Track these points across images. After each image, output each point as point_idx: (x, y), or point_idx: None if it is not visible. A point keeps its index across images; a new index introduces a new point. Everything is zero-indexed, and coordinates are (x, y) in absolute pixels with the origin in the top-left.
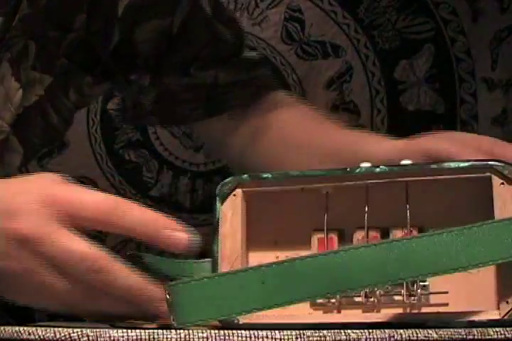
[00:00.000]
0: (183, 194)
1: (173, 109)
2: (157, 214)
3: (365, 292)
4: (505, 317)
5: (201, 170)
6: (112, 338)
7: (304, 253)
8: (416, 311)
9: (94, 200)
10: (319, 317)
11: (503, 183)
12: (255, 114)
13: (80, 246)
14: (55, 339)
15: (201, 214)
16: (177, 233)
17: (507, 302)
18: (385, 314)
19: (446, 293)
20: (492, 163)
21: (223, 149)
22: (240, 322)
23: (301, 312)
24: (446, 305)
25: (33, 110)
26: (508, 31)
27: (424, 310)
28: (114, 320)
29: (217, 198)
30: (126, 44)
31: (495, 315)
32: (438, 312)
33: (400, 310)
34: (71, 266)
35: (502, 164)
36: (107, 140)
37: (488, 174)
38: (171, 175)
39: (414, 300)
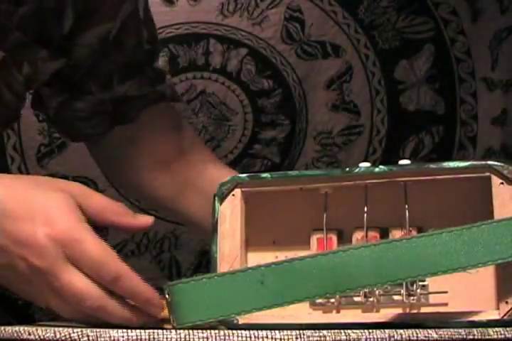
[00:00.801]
0: None
1: (72, 126)
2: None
3: (365, 292)
4: (505, 317)
5: None
6: (112, 338)
7: (302, 253)
8: (415, 311)
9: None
10: (319, 317)
11: (502, 183)
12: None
13: (82, 284)
14: (55, 339)
15: None
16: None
17: (506, 302)
18: (384, 314)
19: (446, 292)
20: (491, 162)
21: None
22: (240, 323)
23: (301, 312)
24: (446, 305)
25: None
26: (508, 31)
27: (423, 309)
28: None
29: (216, 198)
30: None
31: (494, 315)
32: (437, 312)
33: (399, 310)
34: (71, 301)
35: (501, 164)
36: None
37: (488, 174)
38: None
39: (413, 299)
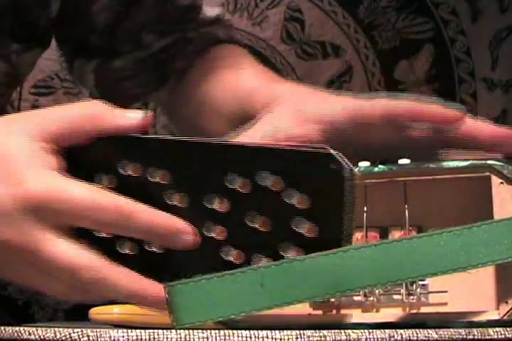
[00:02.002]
0: None
1: (122, 87)
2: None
3: (365, 291)
4: (505, 318)
5: None
6: (113, 338)
7: None
8: (415, 311)
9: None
10: (320, 317)
11: (502, 182)
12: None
13: (72, 253)
14: (55, 339)
15: None
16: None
17: (506, 302)
18: (384, 313)
19: (446, 292)
20: (491, 162)
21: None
22: (242, 323)
23: (301, 312)
24: (446, 304)
25: None
26: (508, 31)
27: (423, 309)
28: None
29: None
30: (78, 17)
31: (494, 315)
32: (437, 312)
33: (399, 310)
34: (62, 277)
35: (501, 163)
36: None
37: (488, 173)
38: None
39: (413, 299)
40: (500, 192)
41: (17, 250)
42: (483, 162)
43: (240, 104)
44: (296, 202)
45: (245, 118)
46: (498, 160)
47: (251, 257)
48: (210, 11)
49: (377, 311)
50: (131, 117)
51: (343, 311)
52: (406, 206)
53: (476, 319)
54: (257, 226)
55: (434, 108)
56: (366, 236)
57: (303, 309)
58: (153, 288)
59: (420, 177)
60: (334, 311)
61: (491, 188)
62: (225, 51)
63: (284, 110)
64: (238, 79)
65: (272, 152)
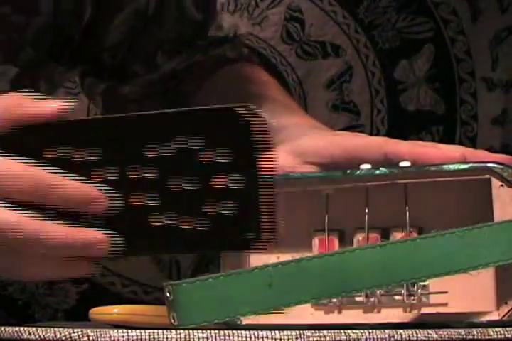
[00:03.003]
0: None
1: (123, 110)
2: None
3: (366, 292)
4: (504, 318)
5: None
6: (113, 338)
7: (304, 254)
8: (416, 311)
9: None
10: (321, 317)
11: (502, 185)
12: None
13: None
14: (55, 339)
15: None
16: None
17: (506, 303)
18: (385, 314)
19: (446, 293)
20: (491, 165)
21: None
22: (242, 323)
23: (303, 312)
24: (446, 305)
25: None
26: (508, 31)
27: (424, 310)
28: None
29: None
30: (98, 30)
31: (494, 316)
32: (438, 313)
33: (400, 310)
34: None
35: (501, 166)
36: None
37: (488, 176)
38: None
39: (414, 300)
40: (500, 195)
41: None
42: (484, 165)
43: None
44: (214, 159)
45: None
46: (498, 163)
47: (181, 220)
48: (223, 23)
49: (379, 312)
50: (50, 104)
51: (344, 312)
52: (407, 208)
53: (475, 320)
54: (181, 189)
55: (432, 151)
56: (367, 238)
57: (304, 309)
58: (83, 235)
59: (421, 180)
60: (336, 311)
61: (491, 191)
62: (233, 72)
63: (286, 149)
64: None
65: (184, 115)
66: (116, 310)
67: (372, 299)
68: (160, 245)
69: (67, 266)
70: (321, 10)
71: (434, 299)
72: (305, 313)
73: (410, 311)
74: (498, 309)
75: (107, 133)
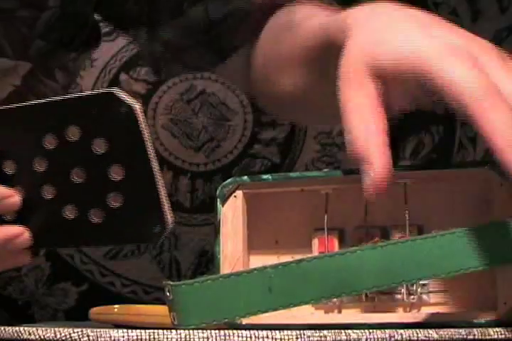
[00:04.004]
0: (183, 194)
1: (182, 58)
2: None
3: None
4: (503, 318)
5: (201, 170)
6: (113, 338)
7: (304, 253)
8: (416, 310)
9: None
10: (321, 317)
11: (502, 184)
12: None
13: None
14: (55, 339)
15: (201, 214)
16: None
17: (504, 303)
18: (385, 313)
19: (446, 292)
20: (491, 163)
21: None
22: (243, 323)
23: (303, 312)
24: (446, 304)
25: (9, 103)
26: (508, 31)
27: (423, 309)
28: None
29: (218, 199)
30: None
31: (492, 316)
32: (437, 313)
33: (400, 309)
34: None
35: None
36: None
37: (488, 175)
38: (171, 175)
39: (413, 299)
40: (500, 194)
41: None
42: (484, 162)
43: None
44: (101, 149)
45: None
46: (498, 161)
47: (87, 212)
48: None
49: (378, 311)
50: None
51: (344, 311)
52: (406, 207)
53: (473, 319)
54: (79, 180)
55: None
56: (367, 237)
57: (304, 309)
58: (1, 229)
59: (420, 178)
60: (336, 311)
61: (491, 189)
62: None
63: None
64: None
65: (68, 104)
66: (116, 310)
67: (372, 298)
68: (72, 237)
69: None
70: None
71: (434, 298)
72: (305, 313)
73: (410, 310)
74: (496, 309)
75: (8, 124)
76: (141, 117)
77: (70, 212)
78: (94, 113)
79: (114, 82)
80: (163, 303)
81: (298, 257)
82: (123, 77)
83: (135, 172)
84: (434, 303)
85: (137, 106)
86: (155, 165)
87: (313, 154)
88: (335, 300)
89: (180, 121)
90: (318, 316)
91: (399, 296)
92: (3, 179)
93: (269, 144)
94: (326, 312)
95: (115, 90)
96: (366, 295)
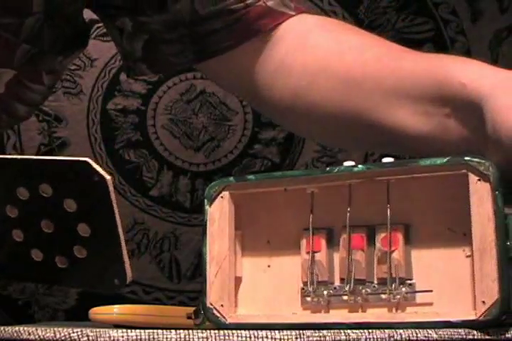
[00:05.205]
0: (183, 194)
1: (160, 54)
2: None
3: (352, 290)
4: (481, 318)
5: (201, 170)
6: (112, 338)
7: (294, 254)
8: (400, 310)
9: None
10: (307, 316)
11: (479, 180)
12: (266, 47)
13: None
14: (55, 339)
15: (201, 214)
16: None
17: (483, 302)
18: (371, 313)
19: (431, 291)
20: (468, 158)
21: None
22: (228, 322)
23: (289, 311)
24: (431, 304)
25: None
26: (508, 31)
27: (409, 309)
28: None
29: (206, 200)
30: None
31: (471, 316)
32: (421, 312)
33: (385, 310)
34: None
35: (478, 160)
36: (107, 140)
37: (465, 171)
38: (171, 175)
39: (399, 298)
40: (477, 190)
41: None
42: (460, 158)
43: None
44: (70, 208)
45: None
46: (474, 156)
47: (53, 257)
48: None
49: (364, 311)
50: None
51: (331, 311)
52: (388, 206)
53: (452, 319)
54: (50, 230)
55: None
56: (349, 236)
57: (292, 308)
58: None
59: (399, 177)
60: (323, 311)
61: (468, 186)
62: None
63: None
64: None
65: (45, 164)
66: (116, 310)
67: (359, 298)
68: (38, 275)
69: None
70: (321, 10)
71: (420, 298)
72: (291, 313)
73: (396, 310)
74: (475, 308)
75: None
76: (111, 188)
77: (36, 255)
78: (68, 177)
79: (114, 82)
80: (163, 303)
81: (289, 257)
82: (123, 77)
83: (100, 232)
84: (419, 303)
85: (109, 178)
86: (119, 227)
87: (313, 154)
88: (321, 300)
89: (180, 121)
90: (305, 316)
91: (385, 296)
92: None
93: (269, 144)
94: (313, 311)
95: (90, 161)
96: (352, 294)
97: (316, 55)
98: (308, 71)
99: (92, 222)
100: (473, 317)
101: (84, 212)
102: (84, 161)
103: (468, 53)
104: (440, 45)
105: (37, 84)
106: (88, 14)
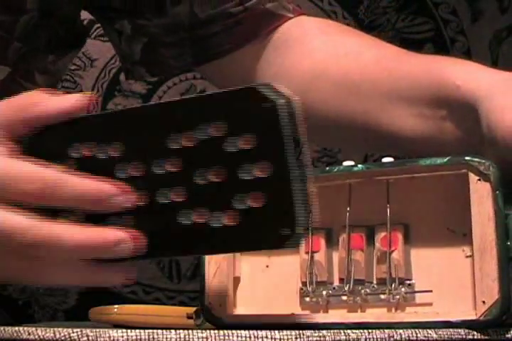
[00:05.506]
0: None
1: (160, 57)
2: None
3: (352, 290)
4: (481, 318)
5: None
6: (112, 338)
7: (293, 254)
8: (400, 311)
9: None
10: (307, 316)
11: (479, 179)
12: (267, 50)
13: (2, 219)
14: (55, 339)
15: None
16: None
17: (483, 302)
18: (370, 313)
19: (431, 291)
20: (468, 158)
21: None
22: (227, 322)
23: (289, 311)
24: (431, 304)
25: None
26: (508, 31)
27: (409, 309)
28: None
29: None
30: None
31: (471, 316)
32: (421, 312)
33: (384, 310)
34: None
35: (478, 159)
36: None
37: (465, 170)
38: None
39: (399, 299)
40: (477, 190)
41: None
42: (461, 158)
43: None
44: (240, 146)
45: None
46: (474, 156)
47: (211, 216)
48: None
49: (363, 311)
50: (68, 100)
51: (330, 311)
52: (388, 205)
53: (452, 319)
54: (208, 182)
55: None
56: (349, 236)
57: (291, 308)
58: (101, 234)
59: (399, 176)
60: (322, 311)
61: (468, 185)
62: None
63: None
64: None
65: (205, 100)
66: (116, 310)
67: (358, 298)
68: (185, 245)
69: (93, 271)
70: (321, 10)
71: (419, 298)
72: (290, 313)
73: (396, 310)
74: (475, 308)
75: (127, 127)
76: (286, 113)
77: (194, 217)
78: (228, 109)
79: (114, 82)
80: (163, 303)
81: (288, 257)
82: (123, 77)
83: (281, 170)
84: (419, 303)
85: (283, 101)
86: (307, 161)
87: (313, 154)
88: (320, 300)
89: None
90: (305, 316)
91: (385, 296)
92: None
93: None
94: (313, 311)
95: (256, 85)
96: (352, 295)
97: (313, 58)
98: (306, 75)
99: (272, 157)
100: (473, 317)
101: (253, 149)
102: (248, 89)
103: (468, 53)
104: (440, 45)
105: (30, 83)
106: (88, 15)
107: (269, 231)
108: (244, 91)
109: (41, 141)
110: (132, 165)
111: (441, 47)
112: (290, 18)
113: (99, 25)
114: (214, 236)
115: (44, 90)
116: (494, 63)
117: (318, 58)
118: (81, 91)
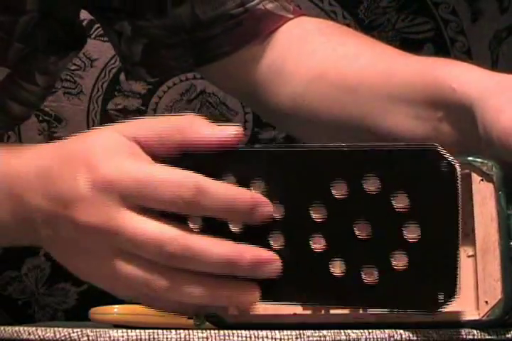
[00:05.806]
0: None
1: (160, 58)
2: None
3: None
4: (484, 318)
5: None
6: (112, 338)
7: None
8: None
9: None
10: (307, 316)
11: (482, 180)
12: (264, 51)
13: (153, 226)
14: (55, 339)
15: None
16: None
17: (486, 302)
18: (371, 313)
19: None
20: (471, 158)
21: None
22: (229, 322)
23: (290, 311)
24: None
25: None
26: (508, 31)
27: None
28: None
29: None
30: None
31: (474, 316)
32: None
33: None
34: (142, 252)
35: (481, 160)
36: None
37: (468, 171)
38: None
39: None
40: (480, 190)
41: (99, 233)
42: (464, 158)
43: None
44: (404, 205)
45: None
46: (477, 156)
47: (361, 269)
48: None
49: (364, 311)
50: (225, 131)
51: (332, 311)
52: None
53: (455, 319)
54: (364, 234)
55: None
56: None
57: (292, 308)
58: (250, 252)
59: None
60: (323, 311)
61: (471, 186)
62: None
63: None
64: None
65: (378, 153)
66: (116, 310)
67: None
68: (331, 296)
69: (223, 288)
70: (321, 10)
71: None
72: (291, 313)
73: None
74: (477, 308)
75: (292, 166)
76: (459, 180)
77: (337, 268)
78: (406, 167)
79: (114, 82)
80: None
81: None
82: (123, 77)
83: (433, 234)
84: None
85: (457, 165)
86: (459, 226)
87: None
88: None
89: None
90: (305, 316)
91: None
92: (275, 225)
93: (269, 144)
94: (314, 312)
95: (437, 146)
96: None
97: (311, 61)
98: (304, 77)
99: (426, 221)
100: (476, 318)
101: (417, 209)
102: (432, 146)
103: (468, 53)
104: (440, 45)
105: (30, 84)
106: (88, 15)
107: (408, 293)
108: (426, 150)
109: (176, 165)
110: (284, 205)
111: (441, 47)
112: (290, 19)
113: (99, 25)
114: (362, 292)
115: (202, 116)
116: (494, 63)
117: (315, 61)
118: (81, 91)
